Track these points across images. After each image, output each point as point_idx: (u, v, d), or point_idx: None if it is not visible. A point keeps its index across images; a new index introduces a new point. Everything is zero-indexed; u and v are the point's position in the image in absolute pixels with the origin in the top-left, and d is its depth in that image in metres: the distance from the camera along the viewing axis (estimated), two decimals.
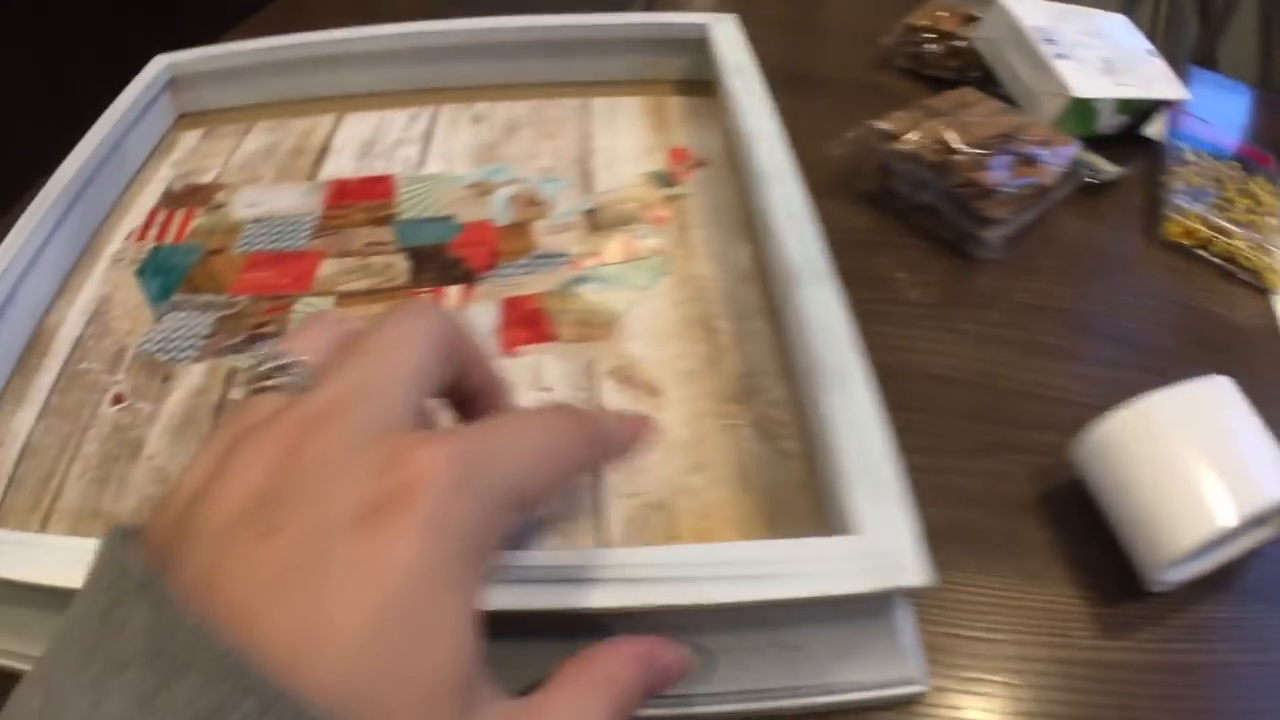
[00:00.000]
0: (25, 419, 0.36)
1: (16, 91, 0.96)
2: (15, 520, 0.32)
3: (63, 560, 0.25)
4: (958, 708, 0.31)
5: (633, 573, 0.24)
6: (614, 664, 0.21)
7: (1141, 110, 0.58)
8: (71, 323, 0.40)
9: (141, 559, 0.17)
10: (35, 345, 0.39)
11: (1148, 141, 0.60)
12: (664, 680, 0.22)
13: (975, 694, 0.32)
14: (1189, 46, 1.09)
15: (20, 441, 0.35)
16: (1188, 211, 0.52)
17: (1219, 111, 0.71)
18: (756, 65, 0.46)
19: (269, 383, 0.21)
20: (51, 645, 0.17)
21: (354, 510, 0.17)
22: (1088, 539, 0.36)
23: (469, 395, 0.25)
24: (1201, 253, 0.52)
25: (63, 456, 0.34)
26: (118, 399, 0.36)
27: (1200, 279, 0.50)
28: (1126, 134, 0.59)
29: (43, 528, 0.32)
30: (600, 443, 0.24)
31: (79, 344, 0.39)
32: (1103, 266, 0.50)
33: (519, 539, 0.29)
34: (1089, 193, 0.54)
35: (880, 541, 0.25)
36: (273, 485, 0.18)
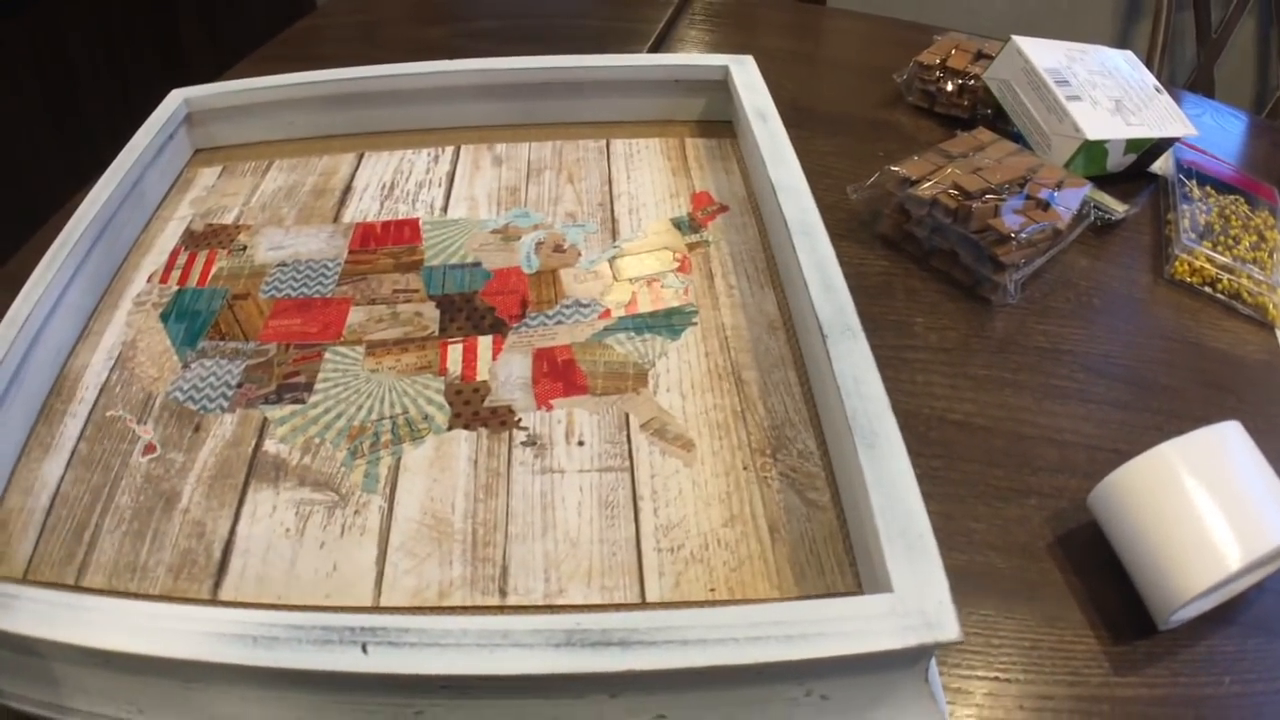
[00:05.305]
0: (54, 468, 0.36)
1: (23, 122, 0.96)
2: (51, 571, 0.32)
3: (102, 622, 0.26)
4: None
5: (678, 635, 0.25)
6: None
7: (1150, 148, 0.59)
8: (96, 368, 0.40)
9: None
10: (59, 390, 0.39)
11: (1154, 176, 0.61)
12: None
13: None
14: (1188, 68, 1.10)
15: (50, 490, 0.35)
16: (1195, 250, 0.53)
17: (1220, 141, 0.72)
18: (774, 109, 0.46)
19: None
20: None
21: None
22: (1101, 580, 0.37)
23: None
24: (1207, 290, 0.53)
25: (95, 507, 0.34)
26: (149, 449, 0.36)
27: (1206, 316, 0.51)
28: (1135, 171, 0.60)
29: (78, 580, 0.32)
30: None
31: (105, 390, 0.39)
32: (1113, 306, 0.51)
33: None
34: (1099, 232, 0.55)
35: (915, 599, 0.26)
36: None
